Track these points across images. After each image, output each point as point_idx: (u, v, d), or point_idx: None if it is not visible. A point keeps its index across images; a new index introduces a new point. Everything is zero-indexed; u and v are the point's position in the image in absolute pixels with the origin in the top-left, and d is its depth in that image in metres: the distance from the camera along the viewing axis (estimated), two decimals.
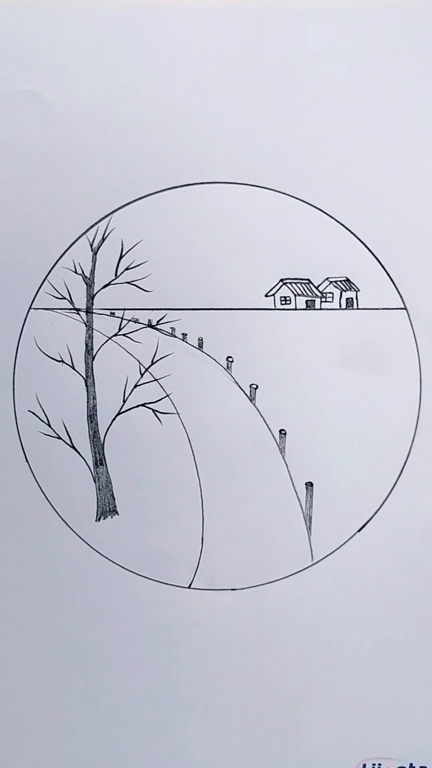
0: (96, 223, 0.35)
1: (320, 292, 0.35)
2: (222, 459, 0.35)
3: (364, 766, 0.34)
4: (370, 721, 0.35)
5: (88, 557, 0.35)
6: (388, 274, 0.35)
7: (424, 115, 0.35)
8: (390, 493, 0.35)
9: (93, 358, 0.35)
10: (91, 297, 0.35)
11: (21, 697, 0.35)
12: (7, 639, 0.35)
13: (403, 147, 0.35)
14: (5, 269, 0.35)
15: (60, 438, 0.35)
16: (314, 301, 0.35)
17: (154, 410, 0.35)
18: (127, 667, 0.35)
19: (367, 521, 0.35)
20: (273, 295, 0.35)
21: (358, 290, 0.35)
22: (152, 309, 0.35)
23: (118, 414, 0.35)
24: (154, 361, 0.35)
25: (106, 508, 0.35)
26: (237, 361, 0.35)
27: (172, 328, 0.35)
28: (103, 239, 0.35)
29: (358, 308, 0.35)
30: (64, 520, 0.35)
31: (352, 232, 0.35)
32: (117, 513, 0.35)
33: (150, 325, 0.35)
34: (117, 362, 0.35)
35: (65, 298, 0.35)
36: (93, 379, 0.35)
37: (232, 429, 0.35)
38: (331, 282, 0.35)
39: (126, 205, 0.35)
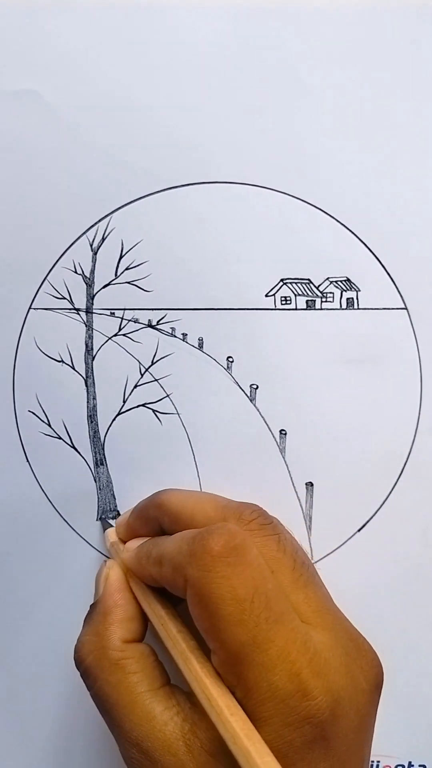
0: (96, 223, 0.35)
1: (320, 292, 0.35)
2: (222, 459, 0.35)
3: None
4: None
5: (89, 556, 0.35)
6: (388, 274, 0.35)
7: (425, 114, 0.35)
8: (390, 493, 0.35)
9: (93, 358, 0.35)
10: (91, 297, 0.35)
11: (21, 697, 0.35)
12: (7, 638, 0.35)
13: (403, 147, 0.35)
14: (5, 269, 0.35)
15: (60, 438, 0.35)
16: (314, 301, 0.35)
17: (154, 410, 0.35)
18: None
19: (367, 521, 0.35)
20: (273, 295, 0.35)
21: (359, 290, 0.35)
22: (152, 309, 0.35)
23: (118, 414, 0.35)
24: (154, 361, 0.35)
25: (107, 508, 0.35)
26: (237, 361, 0.35)
27: (172, 328, 0.35)
28: (103, 239, 0.35)
29: (358, 308, 0.35)
30: (65, 520, 0.35)
31: (352, 232, 0.35)
32: (118, 512, 0.35)
33: (150, 325, 0.35)
34: (117, 362, 0.35)
35: (65, 298, 0.35)
36: (93, 379, 0.35)
37: (232, 429, 0.35)
38: (331, 282, 0.35)
39: (126, 205, 0.35)
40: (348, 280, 0.35)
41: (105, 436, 0.35)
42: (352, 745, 0.25)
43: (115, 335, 0.35)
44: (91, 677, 0.27)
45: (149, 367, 0.35)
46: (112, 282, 0.35)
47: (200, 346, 0.35)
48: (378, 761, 0.35)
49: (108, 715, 0.27)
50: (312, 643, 0.25)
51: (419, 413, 0.35)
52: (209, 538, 0.26)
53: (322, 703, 0.24)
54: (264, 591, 0.25)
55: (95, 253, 0.35)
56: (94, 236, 0.35)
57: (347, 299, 0.35)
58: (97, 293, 0.35)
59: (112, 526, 0.34)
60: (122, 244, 0.35)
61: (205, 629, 0.25)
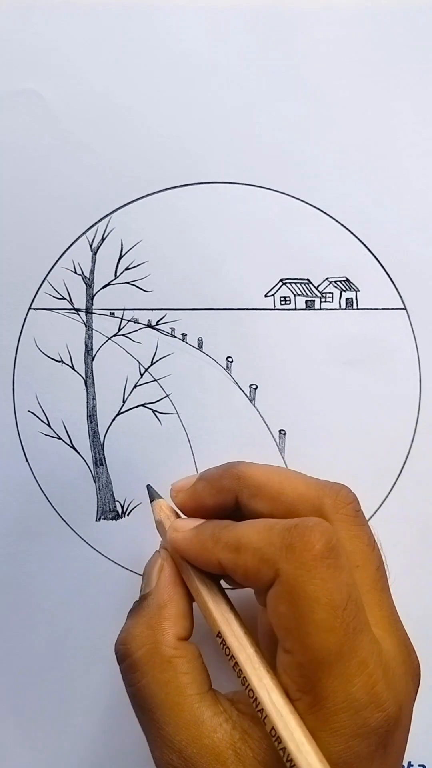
0: (96, 223, 0.35)
1: (320, 292, 0.35)
2: (222, 459, 0.35)
3: None
4: None
5: (89, 557, 0.35)
6: (387, 274, 0.35)
7: (425, 114, 0.35)
8: (389, 492, 0.35)
9: (93, 359, 0.35)
10: (90, 297, 0.35)
11: (21, 697, 0.35)
12: (7, 639, 0.35)
13: (403, 147, 0.35)
14: (5, 269, 0.35)
15: (60, 438, 0.35)
16: (314, 301, 0.35)
17: (154, 410, 0.35)
18: None
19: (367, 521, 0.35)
20: (273, 295, 0.35)
21: (358, 290, 0.35)
22: (152, 309, 0.35)
23: (118, 414, 0.35)
24: (154, 361, 0.35)
25: (107, 508, 0.35)
26: (237, 361, 0.35)
27: (172, 328, 0.35)
28: (103, 239, 0.35)
29: (358, 308, 0.35)
30: (64, 520, 0.35)
31: (352, 232, 0.35)
32: (117, 513, 0.35)
33: (150, 325, 0.35)
34: (117, 362, 0.35)
35: (65, 299, 0.35)
36: (93, 380, 0.35)
37: (232, 429, 0.35)
38: (331, 282, 0.35)
39: (126, 205, 0.35)
40: (347, 280, 0.35)
41: (105, 436, 0.35)
42: (400, 750, 0.25)
43: (115, 335, 0.35)
44: (140, 672, 0.26)
45: (149, 367, 0.35)
46: (112, 282, 0.35)
47: (200, 346, 0.35)
48: None
49: (149, 715, 0.25)
50: (384, 654, 0.25)
51: (418, 413, 0.35)
52: (310, 533, 0.24)
53: (392, 714, 0.24)
54: (355, 598, 0.24)
55: (95, 254, 0.35)
56: (94, 236, 0.35)
57: (346, 299, 0.35)
58: (96, 293, 0.35)
59: (159, 495, 0.32)
60: (122, 245, 0.35)
61: (288, 629, 0.24)
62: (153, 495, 0.32)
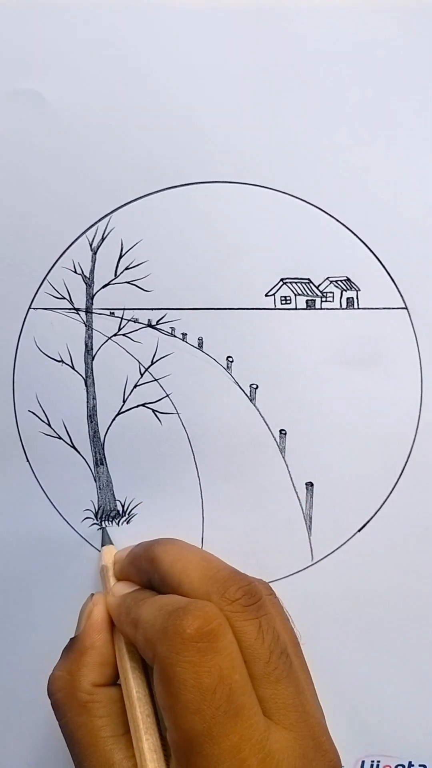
0: (96, 222, 0.35)
1: (320, 292, 0.35)
2: (222, 459, 0.35)
3: (363, 763, 0.34)
4: (369, 719, 0.35)
5: (89, 556, 0.35)
6: (388, 274, 0.35)
7: (425, 114, 0.35)
8: (390, 493, 0.35)
9: (93, 358, 0.35)
10: (90, 297, 0.35)
11: (20, 698, 0.35)
12: (7, 639, 0.35)
13: (403, 146, 0.35)
14: (5, 269, 0.35)
15: (60, 438, 0.35)
16: (314, 300, 0.35)
17: (154, 410, 0.35)
18: None
19: (367, 521, 0.35)
20: (273, 294, 0.35)
21: (359, 290, 0.35)
22: (152, 309, 0.35)
23: (118, 414, 0.35)
24: (154, 361, 0.35)
25: (107, 507, 0.35)
26: (237, 361, 0.35)
27: (172, 328, 0.35)
28: (103, 239, 0.35)
29: (358, 308, 0.35)
30: (65, 519, 0.35)
31: (352, 232, 0.35)
32: (118, 512, 0.35)
33: (150, 325, 0.35)
34: (117, 362, 0.35)
35: (65, 298, 0.35)
36: (93, 379, 0.35)
37: (232, 429, 0.35)
38: (331, 281, 0.35)
39: (126, 204, 0.35)
40: (348, 279, 0.35)
41: (105, 436, 0.35)
42: None
43: (115, 335, 0.35)
44: (59, 712, 0.28)
45: (149, 366, 0.35)
46: (112, 282, 0.35)
47: (200, 346, 0.35)
48: (378, 761, 0.35)
49: (71, 751, 0.28)
50: (268, 742, 0.25)
51: (419, 413, 0.35)
52: (184, 618, 0.25)
53: None
54: (228, 682, 0.25)
55: (95, 253, 0.35)
56: (94, 236, 0.35)
57: (347, 299, 0.35)
58: (96, 293, 0.35)
59: (110, 541, 0.34)
60: (122, 244, 0.35)
61: (164, 708, 0.25)
62: (105, 540, 0.34)
